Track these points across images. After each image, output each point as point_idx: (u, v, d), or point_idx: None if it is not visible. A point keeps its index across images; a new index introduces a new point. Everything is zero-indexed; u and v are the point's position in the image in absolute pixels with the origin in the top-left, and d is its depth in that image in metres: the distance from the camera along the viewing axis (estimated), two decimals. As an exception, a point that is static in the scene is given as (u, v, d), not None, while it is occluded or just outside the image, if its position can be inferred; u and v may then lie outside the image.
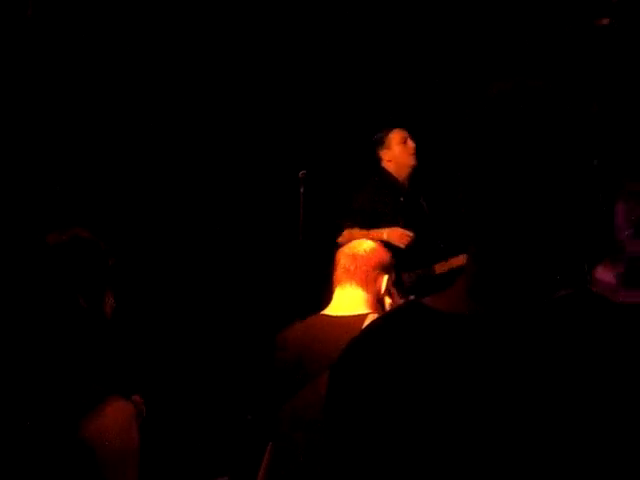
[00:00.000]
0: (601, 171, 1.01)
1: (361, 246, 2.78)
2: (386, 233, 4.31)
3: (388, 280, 2.73)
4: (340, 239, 4.35)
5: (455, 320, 1.01)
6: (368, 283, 2.69)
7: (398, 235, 4.35)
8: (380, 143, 4.62)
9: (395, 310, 1.15)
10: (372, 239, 3.24)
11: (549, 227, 0.99)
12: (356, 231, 4.35)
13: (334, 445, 1.06)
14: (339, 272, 2.73)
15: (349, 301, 2.67)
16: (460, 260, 4.35)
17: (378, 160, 4.66)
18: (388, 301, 2.72)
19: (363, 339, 1.09)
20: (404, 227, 4.44)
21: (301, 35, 5.37)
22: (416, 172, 4.58)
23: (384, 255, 2.78)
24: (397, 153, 4.57)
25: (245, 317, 5.22)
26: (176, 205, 5.24)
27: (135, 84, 5.00)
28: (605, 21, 5.12)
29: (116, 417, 1.83)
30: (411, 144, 4.55)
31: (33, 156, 4.57)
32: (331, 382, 1.09)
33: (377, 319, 1.13)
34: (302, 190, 4.68)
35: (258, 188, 5.44)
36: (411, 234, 4.36)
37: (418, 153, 4.60)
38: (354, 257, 2.73)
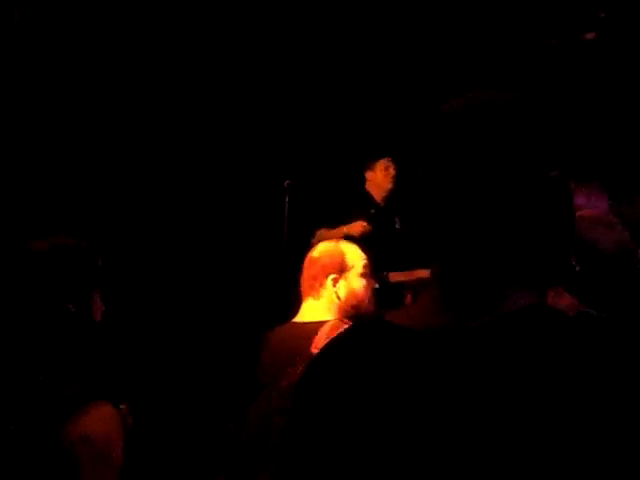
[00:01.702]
0: (562, 183, 1.01)
1: (312, 252, 2.77)
2: (346, 227, 4.81)
3: (337, 280, 2.68)
4: (313, 240, 4.74)
5: (415, 336, 1.01)
6: (317, 290, 2.68)
7: (355, 225, 4.84)
8: (368, 167, 5.17)
9: (356, 325, 1.15)
10: (335, 235, 4.02)
11: (511, 243, 0.99)
12: (323, 230, 4.84)
13: (296, 458, 1.06)
14: (300, 278, 2.75)
15: (309, 307, 2.70)
16: (417, 274, 4.65)
17: (363, 181, 5.21)
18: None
19: (323, 356, 1.09)
20: (372, 237, 4.71)
21: (288, 46, 5.38)
22: (395, 195, 5.17)
23: (332, 257, 2.71)
24: (378, 175, 5.12)
25: (229, 325, 5.20)
26: (161, 213, 5.22)
27: (121, 91, 4.99)
28: (591, 35, 5.16)
29: (100, 421, 1.84)
30: (392, 172, 5.12)
31: (20, 160, 4.55)
32: (294, 400, 1.09)
33: (338, 335, 1.12)
34: (287, 199, 4.70)
35: (244, 197, 5.44)
36: (365, 224, 4.84)
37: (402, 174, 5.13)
38: (307, 263, 2.74)
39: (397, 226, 5.16)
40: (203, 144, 5.36)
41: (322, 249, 2.74)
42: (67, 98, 4.76)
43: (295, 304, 4.41)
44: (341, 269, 2.69)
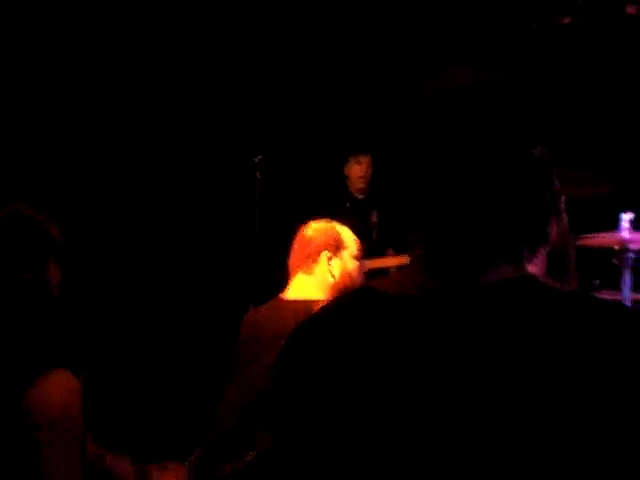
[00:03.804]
0: (543, 159, 1.02)
1: (307, 228, 2.75)
2: None
3: (332, 258, 2.66)
4: None
5: (404, 302, 1.01)
6: (310, 266, 2.65)
7: None
8: (346, 162, 5.49)
9: (345, 294, 1.16)
10: None
11: (492, 212, 0.99)
12: None
13: (279, 426, 1.06)
14: (290, 255, 2.72)
15: (300, 283, 2.67)
16: (389, 261, 4.74)
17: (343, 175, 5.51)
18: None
19: (310, 324, 1.09)
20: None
21: (264, 22, 5.34)
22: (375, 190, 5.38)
23: (328, 235, 2.69)
24: (351, 169, 5.43)
25: (198, 300, 5.18)
26: (132, 190, 5.18)
27: (87, 60, 4.93)
28: (567, 20, 5.16)
29: (59, 388, 1.87)
30: (364, 166, 5.38)
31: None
32: (277, 367, 1.08)
33: (327, 303, 1.13)
34: (258, 175, 4.68)
35: (214, 172, 5.40)
36: None
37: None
38: (300, 240, 2.71)
39: (374, 219, 5.32)
40: (173, 119, 5.30)
41: (317, 227, 2.71)
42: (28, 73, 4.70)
43: (265, 281, 4.41)
44: (336, 248, 2.67)
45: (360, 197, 5.41)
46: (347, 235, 2.75)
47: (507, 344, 0.92)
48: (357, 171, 5.37)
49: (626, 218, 3.37)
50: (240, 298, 4.31)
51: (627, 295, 3.39)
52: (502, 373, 0.91)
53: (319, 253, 2.65)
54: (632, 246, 3.41)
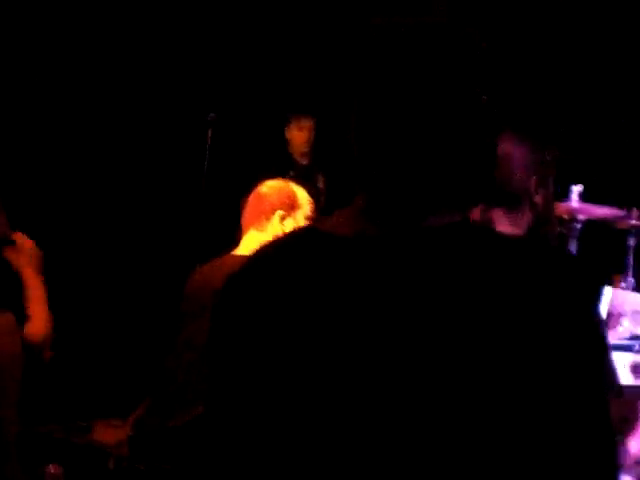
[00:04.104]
0: (490, 107, 1.01)
1: (262, 186, 2.75)
2: None
3: (285, 218, 2.67)
4: None
5: (343, 244, 0.99)
6: (263, 223, 2.67)
7: None
8: (286, 126, 5.23)
9: (287, 234, 1.14)
10: None
11: (438, 156, 0.98)
12: None
13: (213, 377, 1.04)
14: (243, 212, 2.73)
15: (251, 239, 2.68)
16: None
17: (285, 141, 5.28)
18: None
19: (248, 265, 1.07)
20: None
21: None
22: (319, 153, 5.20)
23: (282, 194, 2.71)
24: (293, 134, 5.19)
25: (144, 258, 5.13)
26: (81, 146, 5.10)
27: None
28: None
29: (5, 329, 1.94)
30: (306, 130, 5.16)
31: None
32: (212, 311, 1.07)
33: (268, 243, 1.10)
34: (210, 133, 4.64)
35: (165, 130, 5.32)
36: None
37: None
38: (254, 198, 2.72)
39: (321, 185, 5.14)
40: (123, 75, 5.21)
41: (272, 185, 2.73)
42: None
43: (213, 240, 4.38)
44: (290, 207, 2.69)
45: (304, 162, 5.23)
46: (302, 195, 2.77)
47: (441, 284, 0.93)
48: (299, 136, 5.15)
49: (576, 190, 3.43)
50: (187, 256, 4.28)
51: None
52: (430, 310, 0.92)
53: (273, 211, 2.68)
54: (580, 216, 3.47)
